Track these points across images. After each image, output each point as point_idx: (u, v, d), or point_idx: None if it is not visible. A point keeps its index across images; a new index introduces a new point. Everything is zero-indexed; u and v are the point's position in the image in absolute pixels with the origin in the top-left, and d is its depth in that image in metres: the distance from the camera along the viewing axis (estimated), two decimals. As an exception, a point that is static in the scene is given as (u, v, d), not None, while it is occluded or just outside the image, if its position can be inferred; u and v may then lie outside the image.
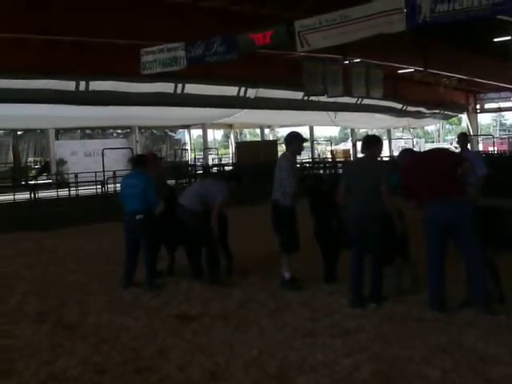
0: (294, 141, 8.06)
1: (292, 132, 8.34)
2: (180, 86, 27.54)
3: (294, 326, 6.32)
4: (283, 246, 7.99)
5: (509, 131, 72.83)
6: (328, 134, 64.49)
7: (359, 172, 7.18)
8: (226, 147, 57.22)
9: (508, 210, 6.83)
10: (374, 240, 6.94)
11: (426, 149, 7.24)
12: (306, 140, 8.47)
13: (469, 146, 11.82)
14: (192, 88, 27.90)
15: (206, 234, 8.46)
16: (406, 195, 6.95)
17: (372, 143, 7.21)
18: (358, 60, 25.29)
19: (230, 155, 44.39)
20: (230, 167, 28.05)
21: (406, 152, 7.83)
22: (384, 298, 7.04)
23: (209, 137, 42.72)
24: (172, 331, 6.40)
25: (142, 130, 41.61)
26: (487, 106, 48.70)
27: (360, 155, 7.70)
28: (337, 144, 64.14)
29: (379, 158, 9.07)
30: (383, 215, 6.89)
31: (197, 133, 45.84)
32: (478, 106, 48.09)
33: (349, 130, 53.07)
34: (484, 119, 60.43)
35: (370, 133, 63.92)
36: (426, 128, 70.35)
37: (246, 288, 8.04)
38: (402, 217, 7.75)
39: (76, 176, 24.49)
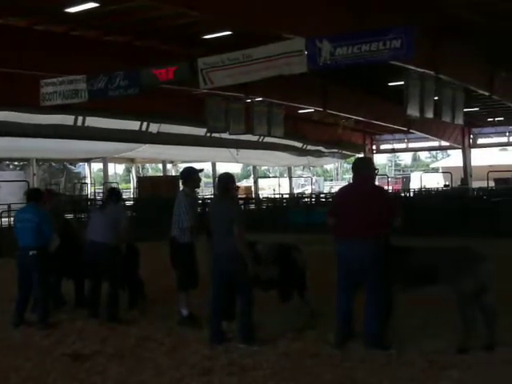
0: (191, 176, 8.08)
1: (186, 168, 8.45)
2: (81, 118, 27.11)
3: (191, 365, 6.24)
4: (181, 283, 7.91)
5: (403, 171, 75.83)
6: (230, 171, 64.91)
7: (216, 212, 7.18)
8: (128, 182, 56.40)
9: (415, 249, 6.98)
10: (241, 281, 6.93)
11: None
12: (201, 170, 8.52)
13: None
14: (93, 121, 27.52)
15: (117, 269, 8.29)
16: (331, 228, 6.87)
17: (224, 183, 7.19)
18: (260, 99, 25.75)
19: (132, 190, 43.79)
20: (131, 202, 27.61)
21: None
22: (254, 338, 6.91)
23: (110, 171, 42.10)
24: (64, 371, 6.18)
25: (40, 163, 40.44)
26: (383, 146, 50.67)
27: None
28: (239, 181, 64.61)
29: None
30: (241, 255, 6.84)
31: (97, 166, 45.00)
32: (374, 147, 49.92)
33: (251, 167, 53.59)
34: (380, 159, 62.59)
35: (271, 170, 64.94)
36: (325, 166, 72.12)
37: (143, 326, 7.88)
38: (300, 253, 7.90)
39: (-33, 209, 23.38)
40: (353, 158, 52.75)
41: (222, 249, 6.93)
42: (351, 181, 7.47)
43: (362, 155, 47.95)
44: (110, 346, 6.97)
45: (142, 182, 36.08)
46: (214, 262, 7.07)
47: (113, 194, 8.82)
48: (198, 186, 8.55)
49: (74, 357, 6.63)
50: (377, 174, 7.24)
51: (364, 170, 6.99)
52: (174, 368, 6.17)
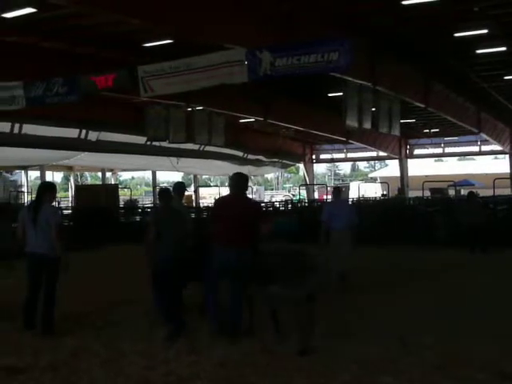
0: (182, 190, 9.31)
1: (179, 182, 9.89)
2: (17, 125, 26.52)
3: (127, 375, 6.14)
4: None
5: (342, 181, 76.92)
6: (171, 179, 64.51)
7: (167, 218, 7.80)
8: (66, 190, 55.43)
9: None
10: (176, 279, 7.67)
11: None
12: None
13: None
14: (30, 128, 26.94)
15: (56, 278, 8.05)
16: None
17: (166, 194, 8.19)
18: (201, 108, 25.74)
19: (70, 198, 43.02)
20: (69, 211, 27.11)
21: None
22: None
23: (47, 179, 41.18)
24: (-3, 386, 6.01)
25: (-25, 171, 39.37)
26: (322, 156, 51.34)
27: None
28: (180, 189, 63.98)
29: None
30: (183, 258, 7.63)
31: (35, 174, 44.08)
32: (314, 157, 50.50)
33: (192, 176, 53.44)
34: (319, 169, 63.47)
35: (212, 179, 64.84)
36: (265, 176, 72.53)
37: (79, 337, 7.71)
38: None
39: None
40: (293, 168, 53.42)
41: (169, 252, 7.50)
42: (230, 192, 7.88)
43: (301, 164, 48.51)
44: (44, 359, 6.78)
45: (80, 190, 35.46)
46: (161, 264, 7.55)
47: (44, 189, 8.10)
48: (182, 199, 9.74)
49: (7, 370, 6.44)
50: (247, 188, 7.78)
51: (237, 184, 7.54)
52: (111, 379, 6.06)
